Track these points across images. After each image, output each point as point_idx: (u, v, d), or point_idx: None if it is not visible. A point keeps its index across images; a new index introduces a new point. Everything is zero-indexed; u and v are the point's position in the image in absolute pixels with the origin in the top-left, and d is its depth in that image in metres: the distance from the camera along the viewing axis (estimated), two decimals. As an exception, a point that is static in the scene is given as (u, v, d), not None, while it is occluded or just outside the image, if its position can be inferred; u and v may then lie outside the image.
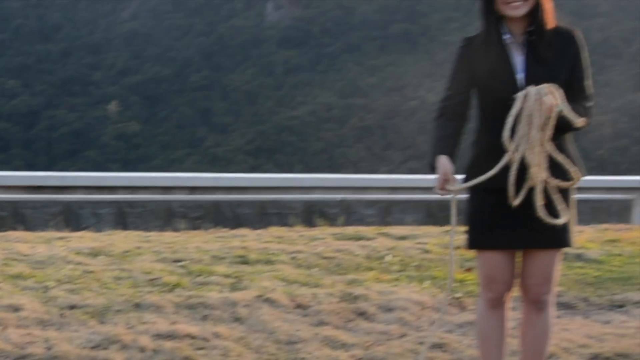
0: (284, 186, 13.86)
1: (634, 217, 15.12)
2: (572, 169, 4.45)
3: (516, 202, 4.40)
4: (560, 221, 4.44)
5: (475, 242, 4.67)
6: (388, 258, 9.00)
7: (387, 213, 13.61)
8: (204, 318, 6.48)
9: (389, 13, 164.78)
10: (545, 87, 4.33)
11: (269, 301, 6.90)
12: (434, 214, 13.76)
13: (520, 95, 4.34)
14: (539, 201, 4.40)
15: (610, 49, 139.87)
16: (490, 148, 4.51)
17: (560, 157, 4.41)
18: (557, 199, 4.46)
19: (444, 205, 13.79)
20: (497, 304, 4.72)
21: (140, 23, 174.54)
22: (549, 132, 4.34)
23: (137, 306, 6.60)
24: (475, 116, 4.68)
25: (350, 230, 11.03)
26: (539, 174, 4.36)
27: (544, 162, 4.37)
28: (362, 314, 6.79)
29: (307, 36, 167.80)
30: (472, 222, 4.66)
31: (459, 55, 4.67)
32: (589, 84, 4.61)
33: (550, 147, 4.38)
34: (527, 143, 4.32)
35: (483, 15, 4.58)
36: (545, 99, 4.29)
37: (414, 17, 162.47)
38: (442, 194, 4.55)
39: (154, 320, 6.28)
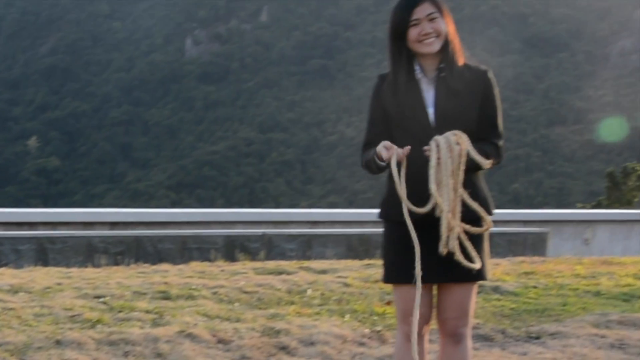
0: (205, 221, 13.81)
1: (548, 249, 15.33)
2: (485, 217, 4.49)
3: (445, 250, 4.42)
4: (475, 266, 4.45)
5: (391, 276, 4.63)
6: (309, 292, 8.99)
7: (307, 247, 13.61)
8: (126, 354, 6.40)
9: (307, 49, 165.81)
10: (452, 133, 4.36)
11: (191, 336, 6.84)
12: (354, 247, 13.80)
13: (432, 146, 4.35)
14: (455, 247, 4.42)
15: (522, 84, 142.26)
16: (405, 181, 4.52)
17: (474, 205, 4.44)
18: (470, 245, 4.48)
19: (364, 239, 13.86)
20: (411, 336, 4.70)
21: (59, 58, 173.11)
22: (461, 177, 4.38)
23: (58, 343, 6.50)
24: None
25: (272, 264, 11.02)
26: (453, 220, 4.39)
27: (458, 207, 4.40)
28: (283, 348, 6.77)
29: (226, 71, 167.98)
30: (387, 257, 4.62)
31: (373, 93, 4.67)
32: (500, 121, 4.65)
33: (463, 192, 4.40)
34: (442, 190, 4.34)
35: (394, 53, 4.61)
36: (454, 146, 4.32)
37: (332, 53, 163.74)
38: (388, 157, 4.40)
39: (75, 357, 6.20)
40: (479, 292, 8.80)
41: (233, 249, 13.08)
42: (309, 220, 14.49)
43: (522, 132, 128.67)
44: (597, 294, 9.64)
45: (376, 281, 9.61)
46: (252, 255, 12.95)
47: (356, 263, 11.56)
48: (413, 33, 4.52)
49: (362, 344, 6.99)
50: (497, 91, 4.65)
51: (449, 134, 4.34)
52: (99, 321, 7.21)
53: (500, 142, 4.62)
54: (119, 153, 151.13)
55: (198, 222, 13.69)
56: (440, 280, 4.59)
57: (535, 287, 9.81)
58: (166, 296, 8.46)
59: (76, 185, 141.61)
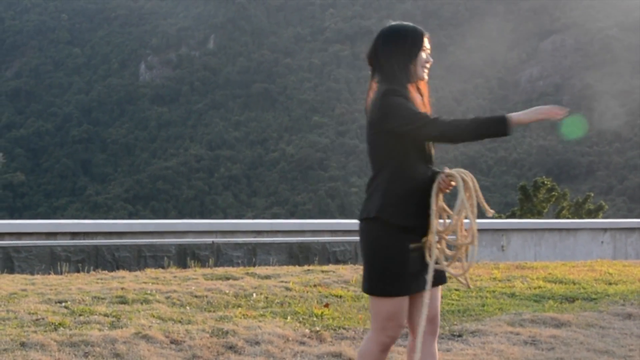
0: (159, 231, 13.66)
1: (469, 255, 15.39)
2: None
3: (433, 261, 4.40)
4: (453, 271, 4.46)
5: (389, 289, 4.35)
6: (254, 296, 8.95)
7: (253, 254, 13.53)
8: (86, 355, 6.31)
9: (250, 74, 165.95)
10: (461, 170, 4.47)
11: (146, 338, 6.77)
12: (295, 255, 13.76)
13: (458, 177, 4.44)
14: (441, 259, 4.44)
15: (442, 107, 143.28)
16: (412, 189, 4.39)
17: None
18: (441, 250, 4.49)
19: (304, 247, 13.83)
20: (389, 347, 4.46)
21: (24, 81, 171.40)
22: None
23: (23, 345, 6.39)
24: (390, 157, 4.39)
25: (220, 270, 10.94)
26: (433, 239, 4.40)
27: (436, 226, 4.42)
28: (231, 348, 6.72)
29: (177, 94, 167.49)
30: (387, 269, 4.33)
31: (403, 97, 4.38)
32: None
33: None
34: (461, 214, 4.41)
35: (408, 70, 4.46)
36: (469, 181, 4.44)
37: (273, 77, 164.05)
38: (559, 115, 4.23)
39: (39, 358, 6.09)
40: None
41: (185, 256, 12.96)
42: (254, 230, 14.40)
43: (444, 150, 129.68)
44: (512, 295, 9.70)
45: (315, 285, 9.61)
46: (202, 263, 12.85)
47: (297, 269, 11.52)
48: (422, 57, 4.51)
49: (302, 343, 6.96)
50: None
51: (461, 170, 4.50)
52: (60, 324, 7.10)
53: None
54: (80, 168, 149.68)
55: (152, 232, 13.54)
56: (423, 288, 4.40)
57: (457, 289, 9.85)
58: (123, 301, 8.36)
59: (40, 199, 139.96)
